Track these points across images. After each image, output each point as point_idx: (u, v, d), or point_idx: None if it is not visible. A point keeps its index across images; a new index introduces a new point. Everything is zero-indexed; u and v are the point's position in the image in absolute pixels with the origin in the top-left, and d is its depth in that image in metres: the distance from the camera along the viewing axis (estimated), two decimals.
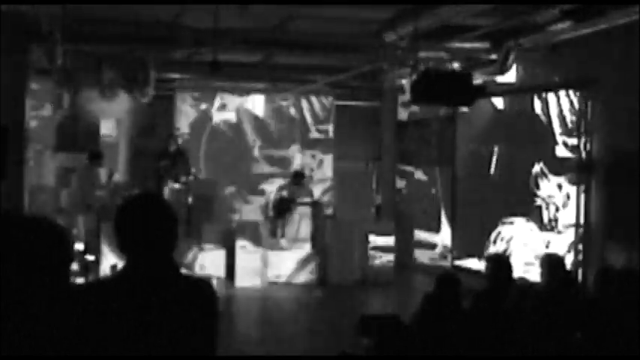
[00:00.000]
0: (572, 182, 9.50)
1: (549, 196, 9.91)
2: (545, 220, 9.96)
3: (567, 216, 9.56)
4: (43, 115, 13.05)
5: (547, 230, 9.90)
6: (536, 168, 10.18)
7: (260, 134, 14.91)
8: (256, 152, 14.91)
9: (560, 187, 9.73)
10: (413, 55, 9.72)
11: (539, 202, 10.10)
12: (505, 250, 10.56)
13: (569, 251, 9.15)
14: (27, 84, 10.12)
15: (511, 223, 10.69)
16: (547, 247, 9.54)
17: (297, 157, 14.96)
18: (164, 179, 12.42)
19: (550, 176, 9.90)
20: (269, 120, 14.94)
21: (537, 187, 10.14)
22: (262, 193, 14.55)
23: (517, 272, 6.07)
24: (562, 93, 9.76)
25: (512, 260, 6.18)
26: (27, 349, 2.49)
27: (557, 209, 9.78)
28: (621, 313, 5.19)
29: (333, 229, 12.23)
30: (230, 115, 14.80)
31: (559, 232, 9.66)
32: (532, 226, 10.20)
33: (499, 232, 10.94)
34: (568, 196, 9.56)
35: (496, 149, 11.21)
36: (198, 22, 9.24)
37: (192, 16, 9.16)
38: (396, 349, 4.25)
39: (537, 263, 6.84)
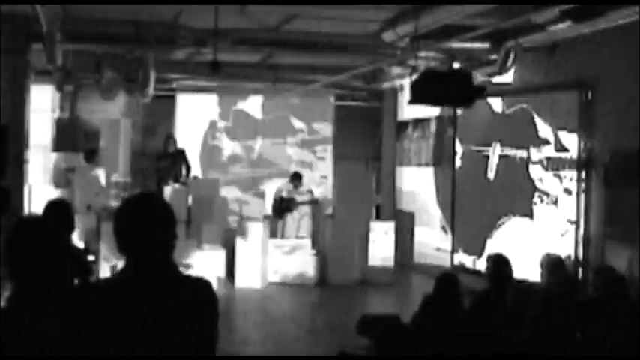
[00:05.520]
0: (571, 182, 9.49)
1: (549, 197, 9.91)
2: (545, 220, 9.96)
3: (567, 216, 9.56)
4: (43, 115, 13.03)
5: (546, 230, 9.89)
6: (536, 168, 10.18)
7: (260, 134, 14.92)
8: (256, 152, 14.91)
9: (559, 187, 9.72)
10: (413, 55, 9.72)
11: (538, 202, 10.10)
12: (505, 250, 10.55)
13: (568, 251, 9.15)
14: (27, 84, 10.11)
15: (510, 223, 10.68)
16: (547, 247, 9.53)
17: (296, 157, 14.97)
18: (164, 179, 12.41)
19: (550, 176, 9.89)
20: (269, 120, 14.94)
21: (536, 187, 10.13)
22: (262, 193, 14.54)
23: (517, 272, 6.05)
24: (562, 93, 9.75)
25: (512, 260, 6.17)
26: (28, 349, 2.49)
27: (556, 209, 9.78)
28: (621, 313, 5.19)
29: (333, 229, 12.22)
30: (229, 116, 14.81)
31: (559, 232, 9.66)
32: (531, 226, 10.20)
33: (498, 232, 10.94)
34: (568, 196, 9.55)
35: (495, 149, 11.20)
36: (198, 22, 9.24)
37: (192, 16, 9.16)
38: (396, 349, 4.25)
39: (537, 263, 6.84)
